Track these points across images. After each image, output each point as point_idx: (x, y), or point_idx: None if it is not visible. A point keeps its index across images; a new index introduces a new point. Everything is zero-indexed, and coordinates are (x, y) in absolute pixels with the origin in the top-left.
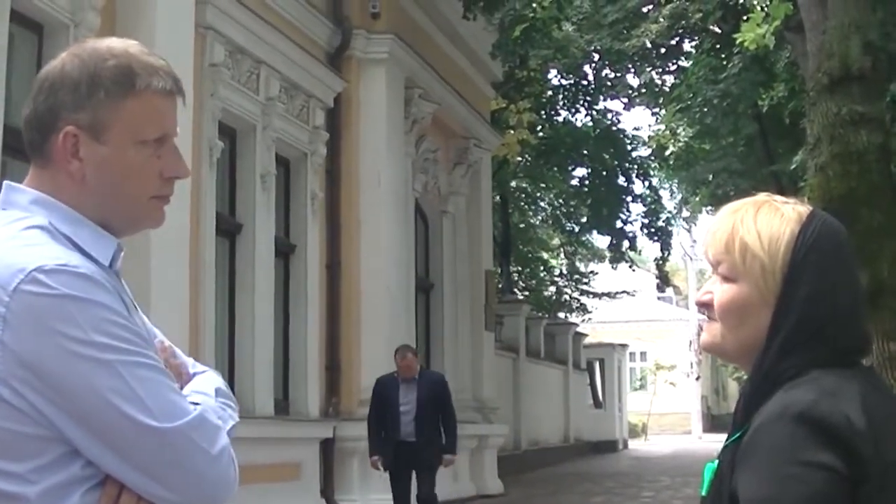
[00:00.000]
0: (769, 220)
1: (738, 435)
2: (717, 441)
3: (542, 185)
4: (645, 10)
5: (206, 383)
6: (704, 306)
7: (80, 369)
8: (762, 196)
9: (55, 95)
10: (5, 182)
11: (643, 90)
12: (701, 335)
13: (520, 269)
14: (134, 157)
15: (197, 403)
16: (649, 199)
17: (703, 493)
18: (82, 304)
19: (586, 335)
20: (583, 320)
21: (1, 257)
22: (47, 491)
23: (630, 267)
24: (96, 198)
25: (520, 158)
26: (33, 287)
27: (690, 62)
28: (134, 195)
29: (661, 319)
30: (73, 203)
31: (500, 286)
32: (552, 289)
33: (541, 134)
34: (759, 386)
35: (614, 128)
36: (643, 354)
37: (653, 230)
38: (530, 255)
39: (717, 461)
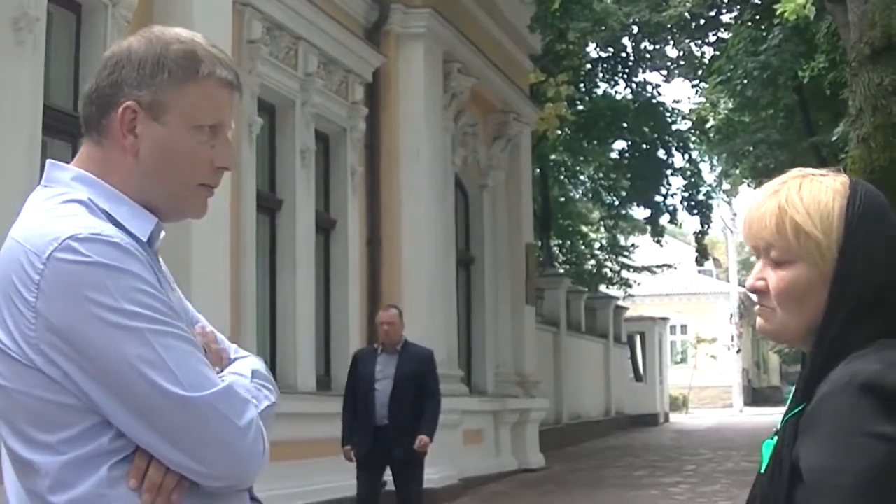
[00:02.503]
0: (815, 196)
1: (800, 408)
2: (759, 414)
3: (582, 158)
4: None
5: (243, 366)
6: (758, 292)
7: (110, 336)
8: (796, 171)
9: (119, 72)
10: (49, 160)
11: (682, 62)
12: (758, 322)
13: (560, 242)
14: (188, 142)
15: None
16: (689, 172)
17: (762, 471)
18: (114, 272)
19: (627, 309)
20: (625, 296)
21: (37, 227)
22: (74, 461)
23: (657, 241)
24: (146, 177)
25: (559, 132)
26: (66, 254)
27: (730, 34)
28: (183, 179)
29: (702, 292)
30: (120, 181)
31: (540, 260)
32: (592, 262)
33: (580, 107)
34: (822, 359)
35: (654, 101)
36: (684, 328)
37: (693, 203)
38: (570, 229)
39: (775, 437)
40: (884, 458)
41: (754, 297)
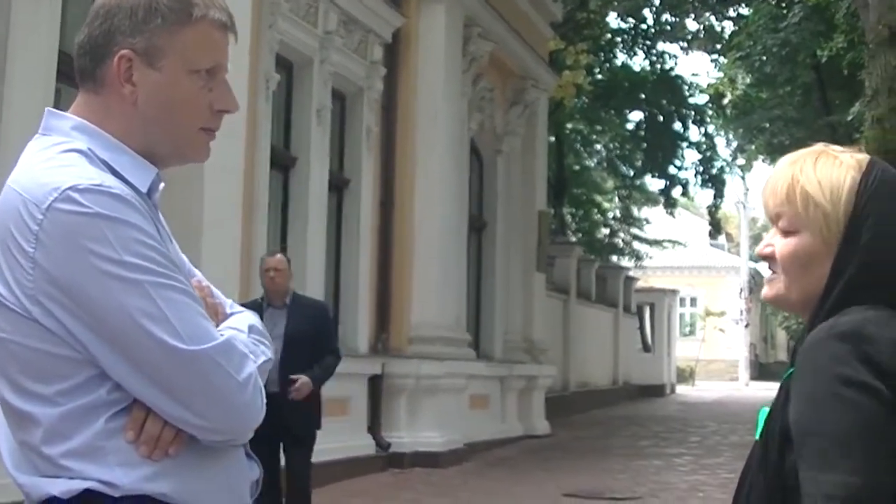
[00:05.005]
0: (829, 169)
1: (791, 371)
2: (765, 389)
3: (598, 127)
4: None
5: (240, 321)
6: (766, 259)
7: (110, 288)
8: (819, 146)
9: (111, 20)
10: (47, 109)
11: (702, 35)
12: (763, 289)
13: (573, 211)
14: (186, 86)
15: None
16: (704, 146)
17: (757, 437)
18: (114, 223)
19: (637, 279)
20: (636, 266)
21: (37, 177)
22: (71, 412)
23: (670, 213)
24: (145, 124)
25: (576, 100)
26: (66, 205)
27: (751, 10)
28: (183, 124)
29: (713, 266)
30: (120, 129)
31: (552, 227)
32: (605, 232)
33: (598, 77)
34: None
35: (672, 73)
36: (693, 300)
37: (707, 177)
38: (584, 198)
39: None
40: (860, 405)
41: (765, 265)
